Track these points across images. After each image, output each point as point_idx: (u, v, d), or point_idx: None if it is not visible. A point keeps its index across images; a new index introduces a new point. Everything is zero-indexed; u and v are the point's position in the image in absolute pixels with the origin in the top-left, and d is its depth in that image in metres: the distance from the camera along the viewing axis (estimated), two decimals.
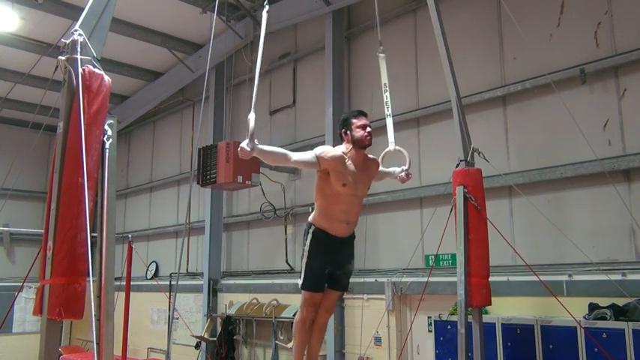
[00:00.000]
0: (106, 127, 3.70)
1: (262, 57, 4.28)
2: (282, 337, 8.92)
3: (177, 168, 12.48)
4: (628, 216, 5.63)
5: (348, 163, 4.38)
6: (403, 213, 7.90)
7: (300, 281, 4.55)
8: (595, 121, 6.08)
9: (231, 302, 10.07)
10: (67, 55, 3.64)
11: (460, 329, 5.13)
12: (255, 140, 4.04)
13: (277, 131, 10.07)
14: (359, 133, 4.41)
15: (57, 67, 3.68)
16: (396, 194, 7.91)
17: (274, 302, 9.21)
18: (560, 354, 5.51)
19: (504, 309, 6.30)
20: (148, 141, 13.84)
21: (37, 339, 3.43)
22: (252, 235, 10.42)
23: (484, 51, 7.21)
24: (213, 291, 10.46)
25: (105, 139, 3.68)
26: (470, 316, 5.35)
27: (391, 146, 5.23)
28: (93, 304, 3.41)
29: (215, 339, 9.69)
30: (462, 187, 5.33)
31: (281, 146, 9.67)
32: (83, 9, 3.83)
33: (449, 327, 6.37)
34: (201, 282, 10.67)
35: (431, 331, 6.97)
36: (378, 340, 7.62)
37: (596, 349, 5.17)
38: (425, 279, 6.48)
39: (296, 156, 4.24)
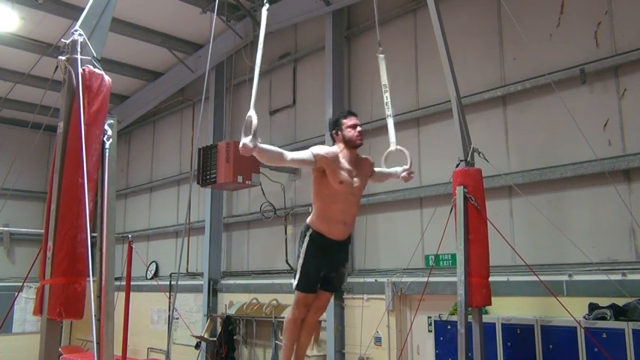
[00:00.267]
0: (106, 127, 3.71)
1: (262, 56, 4.24)
2: (282, 337, 8.91)
3: (177, 168, 12.48)
4: (628, 216, 5.64)
5: (343, 161, 4.41)
6: (403, 213, 7.90)
7: (294, 282, 4.61)
8: (595, 121, 6.08)
9: (231, 302, 10.07)
10: (67, 55, 3.64)
11: (460, 329, 5.13)
12: (258, 138, 4.03)
13: (277, 131, 10.07)
14: (350, 132, 4.46)
15: (57, 67, 3.68)
16: (396, 194, 7.91)
17: (274, 302, 9.21)
18: (560, 354, 5.51)
19: (504, 309, 6.30)
20: (148, 141, 13.84)
21: (37, 339, 3.43)
22: (252, 235, 10.42)
23: (484, 51, 7.21)
24: (213, 291, 10.46)
25: (105, 139, 3.69)
26: (470, 316, 5.35)
27: (392, 146, 5.24)
28: (93, 304, 3.41)
29: (215, 339, 9.69)
30: (462, 187, 5.33)
31: (281, 146, 9.68)
32: (83, 9, 3.83)
33: (449, 327, 6.37)
34: (201, 282, 10.67)
35: (431, 331, 6.97)
36: (378, 340, 7.62)
37: (596, 349, 5.17)
38: (425, 279, 6.48)
39: (292, 155, 4.25)
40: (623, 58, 5.92)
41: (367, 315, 7.61)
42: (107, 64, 10.61)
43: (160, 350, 11.64)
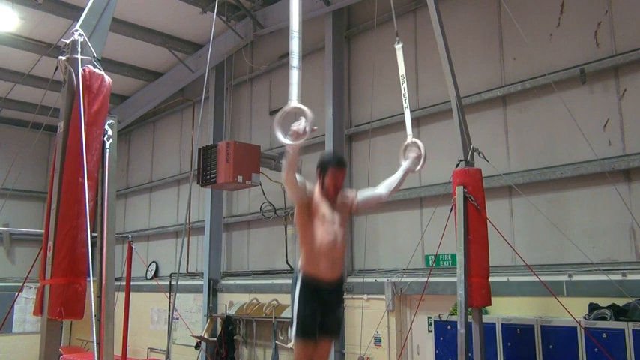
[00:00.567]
0: (107, 127, 3.71)
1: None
2: (282, 337, 8.92)
3: (178, 168, 12.48)
4: (628, 216, 5.64)
5: (323, 198, 4.39)
6: (403, 213, 7.90)
7: (292, 330, 4.56)
8: (595, 121, 6.09)
9: (231, 302, 10.07)
10: (68, 55, 3.64)
11: (460, 329, 5.13)
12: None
13: None
14: (328, 185, 4.38)
15: (57, 67, 3.68)
16: (395, 194, 7.88)
17: (274, 302, 9.22)
18: (560, 354, 5.51)
19: (504, 309, 6.30)
20: (148, 141, 13.84)
21: (37, 339, 3.43)
22: (252, 235, 10.43)
23: (484, 51, 7.21)
24: (213, 291, 10.46)
25: (105, 139, 3.69)
26: (470, 316, 5.35)
27: (409, 138, 5.26)
28: (93, 304, 3.42)
29: (215, 339, 9.69)
30: (462, 187, 5.34)
31: (281, 146, 9.72)
32: (83, 9, 3.83)
33: (449, 327, 6.37)
34: (201, 282, 10.67)
35: (431, 331, 6.97)
36: (378, 340, 7.62)
37: (596, 349, 5.18)
38: (425, 279, 6.48)
39: (297, 175, 4.17)
40: (623, 58, 5.93)
41: (367, 315, 7.61)
42: (107, 64, 10.60)
43: (160, 350, 11.63)
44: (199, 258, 11.12)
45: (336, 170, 4.39)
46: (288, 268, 9.34)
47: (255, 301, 9.61)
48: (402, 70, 5.47)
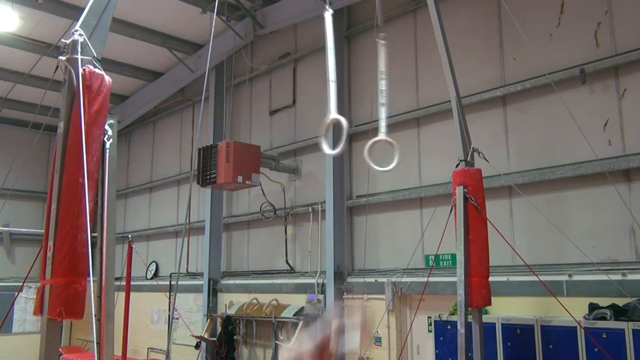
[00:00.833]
0: (107, 127, 3.71)
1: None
2: (282, 337, 8.92)
3: (177, 168, 12.48)
4: (628, 216, 5.64)
5: None
6: (403, 213, 7.90)
7: None
8: (595, 121, 6.08)
9: (231, 302, 10.07)
10: (68, 55, 3.64)
11: (460, 329, 5.13)
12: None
13: (277, 131, 10.07)
14: None
15: (57, 67, 3.68)
16: (396, 194, 7.91)
17: (274, 302, 9.22)
18: (560, 354, 5.51)
19: (504, 309, 6.30)
20: (148, 141, 13.84)
21: (37, 339, 3.43)
22: (252, 235, 10.43)
23: (484, 51, 7.21)
24: (213, 291, 10.46)
25: (105, 139, 3.69)
26: (470, 316, 5.35)
27: (381, 135, 5.18)
28: (93, 304, 3.42)
29: (215, 339, 9.69)
30: (462, 187, 5.33)
31: (281, 146, 9.76)
32: (83, 9, 3.84)
33: (449, 327, 6.37)
34: (201, 282, 10.67)
35: (431, 331, 6.97)
36: (378, 340, 7.62)
37: (596, 349, 5.17)
38: (425, 279, 6.48)
39: None
40: (623, 58, 5.93)
41: (367, 315, 7.61)
42: (107, 64, 10.59)
43: (160, 350, 11.63)
44: (199, 258, 11.12)
45: None
46: (288, 268, 9.34)
47: (255, 301, 9.61)
48: (381, 66, 5.42)
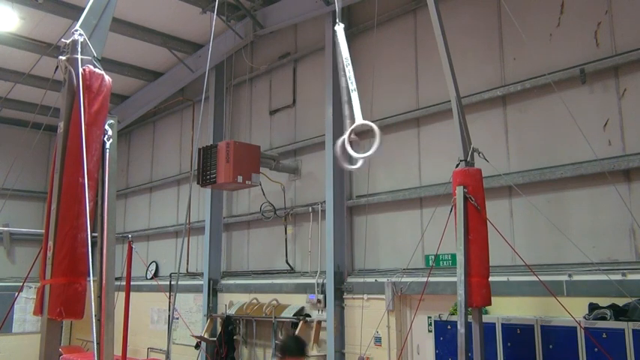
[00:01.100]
0: (107, 127, 3.71)
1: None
2: (282, 337, 8.92)
3: (177, 168, 12.48)
4: (628, 216, 5.64)
5: None
6: (403, 213, 7.90)
7: None
8: (595, 121, 6.09)
9: (231, 302, 10.07)
10: (68, 55, 3.64)
11: (460, 329, 5.13)
12: None
13: (277, 131, 10.07)
14: None
15: (57, 67, 3.68)
16: (396, 194, 7.91)
17: (274, 302, 9.22)
18: (560, 354, 5.51)
19: (504, 309, 6.30)
20: (148, 141, 13.84)
21: (37, 339, 3.43)
22: (252, 235, 10.43)
23: (484, 51, 7.21)
24: (213, 291, 10.47)
25: (105, 139, 3.69)
26: (470, 316, 5.35)
27: (358, 121, 5.09)
28: (93, 304, 3.41)
29: (215, 339, 9.69)
30: (462, 187, 5.33)
31: (281, 146, 9.76)
32: (83, 9, 3.83)
33: (449, 327, 6.37)
34: (201, 282, 10.67)
35: (431, 331, 6.97)
36: (378, 340, 7.62)
37: (596, 349, 5.17)
38: (425, 279, 6.48)
39: None
40: (623, 58, 5.92)
41: (367, 315, 7.62)
42: (107, 64, 10.60)
43: (160, 350, 11.64)
44: (199, 258, 11.12)
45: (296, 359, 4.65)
46: (288, 268, 9.34)
47: (255, 301, 9.61)
48: (345, 53, 5.37)
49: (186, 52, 11.38)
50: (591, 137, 5.84)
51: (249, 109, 10.81)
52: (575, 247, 5.78)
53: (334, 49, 8.87)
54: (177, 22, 10.52)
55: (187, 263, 11.30)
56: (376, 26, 7.88)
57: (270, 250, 9.89)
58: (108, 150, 3.68)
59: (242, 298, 9.92)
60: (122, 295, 8.11)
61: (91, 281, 3.49)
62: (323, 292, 8.42)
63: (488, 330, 5.79)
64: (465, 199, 5.29)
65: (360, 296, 7.98)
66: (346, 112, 4.55)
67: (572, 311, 5.23)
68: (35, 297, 3.54)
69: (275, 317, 8.87)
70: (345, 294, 8.26)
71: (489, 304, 5.35)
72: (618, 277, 5.58)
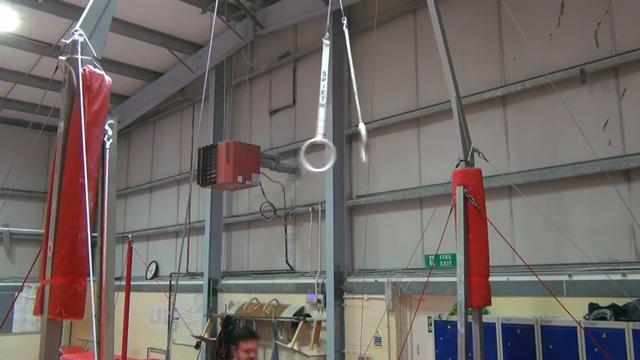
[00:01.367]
0: (107, 127, 3.70)
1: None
2: (282, 337, 8.92)
3: (177, 168, 12.48)
4: (628, 216, 5.64)
5: None
6: (403, 213, 7.90)
7: None
8: (595, 121, 6.08)
9: (231, 302, 10.07)
10: (68, 55, 3.64)
11: (460, 329, 5.13)
12: None
13: (277, 131, 10.07)
14: (243, 356, 5.02)
15: (57, 67, 3.67)
16: (396, 194, 7.91)
17: (274, 302, 9.22)
18: (560, 354, 5.51)
19: (504, 309, 6.30)
20: (148, 141, 13.84)
21: (37, 339, 3.43)
22: (252, 235, 10.43)
23: (484, 51, 7.22)
24: (213, 291, 10.47)
25: (105, 139, 3.68)
26: (470, 316, 5.35)
27: (319, 137, 5.05)
28: (93, 304, 3.41)
29: (215, 339, 9.68)
30: (462, 187, 5.33)
31: (281, 146, 9.76)
32: (83, 9, 3.83)
33: (449, 327, 6.37)
34: (201, 282, 10.67)
35: (431, 331, 6.97)
36: (378, 340, 7.62)
37: (596, 349, 5.17)
38: (425, 279, 6.48)
39: None
40: (623, 58, 5.92)
41: (367, 315, 7.62)
42: (107, 64, 10.60)
43: (160, 350, 11.63)
44: (199, 258, 11.12)
45: (248, 341, 5.07)
46: (288, 268, 9.34)
47: (255, 301, 9.61)
48: (324, 67, 5.40)
49: (186, 52, 11.38)
50: (591, 137, 5.84)
51: (249, 109, 10.81)
52: (575, 247, 5.78)
53: (334, 48, 8.88)
54: (177, 22, 10.52)
55: (187, 263, 11.30)
56: (376, 26, 7.88)
57: (270, 250, 9.89)
58: (108, 150, 3.68)
59: (242, 298, 9.92)
60: (122, 295, 8.10)
61: (91, 281, 3.49)
62: (323, 292, 8.42)
63: (488, 330, 5.79)
64: (465, 199, 5.29)
65: (360, 296, 7.98)
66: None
67: (572, 311, 5.23)
68: (35, 297, 3.53)
69: (275, 317, 8.87)
70: (345, 294, 8.26)
71: (489, 304, 5.35)
72: (618, 277, 5.58)
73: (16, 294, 11.94)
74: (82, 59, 3.62)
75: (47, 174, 14.27)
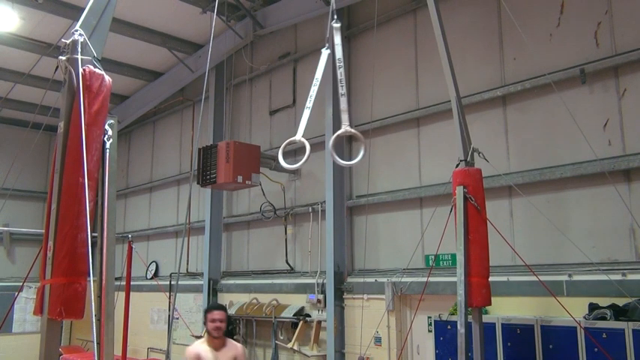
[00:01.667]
0: (107, 127, 3.71)
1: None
2: (282, 337, 8.93)
3: (177, 168, 12.48)
4: (628, 216, 5.64)
5: (206, 350, 5.24)
6: (403, 213, 7.90)
7: None
8: (595, 121, 6.09)
9: (231, 302, 10.07)
10: (68, 55, 3.64)
11: (460, 329, 5.13)
12: None
13: (277, 131, 10.08)
14: (209, 326, 5.35)
15: (57, 67, 3.68)
16: (396, 194, 7.91)
17: (274, 302, 9.22)
18: (560, 354, 5.51)
19: (504, 309, 6.30)
20: (148, 141, 13.84)
21: (37, 339, 3.43)
22: (252, 235, 10.43)
23: (484, 51, 7.22)
24: (213, 291, 10.47)
25: (105, 139, 3.69)
26: (470, 316, 5.35)
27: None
28: (93, 304, 3.41)
29: None
30: (462, 187, 5.33)
31: (281, 146, 9.73)
32: (83, 9, 3.83)
33: (449, 327, 6.37)
34: (201, 282, 10.67)
35: (431, 331, 6.97)
36: (378, 340, 7.62)
37: (596, 349, 5.17)
38: (425, 279, 6.48)
39: None
40: (623, 58, 5.92)
41: (367, 315, 7.62)
42: (107, 64, 10.59)
43: (160, 350, 11.64)
44: (199, 258, 11.12)
45: (212, 312, 5.39)
46: (288, 268, 9.34)
47: (255, 301, 9.61)
48: (318, 74, 5.39)
49: (186, 52, 11.39)
50: (591, 137, 5.84)
51: (249, 109, 10.81)
52: (575, 247, 5.78)
53: (334, 49, 8.88)
54: (177, 22, 10.52)
55: (187, 263, 11.30)
56: (376, 26, 7.88)
57: (270, 250, 9.89)
58: (108, 150, 3.68)
59: (242, 298, 9.92)
60: (122, 295, 8.12)
61: (91, 281, 3.49)
62: (323, 292, 8.42)
63: (488, 330, 5.79)
64: (465, 199, 5.29)
65: (360, 296, 7.98)
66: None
67: (572, 311, 5.23)
68: (35, 297, 3.54)
69: (275, 317, 8.87)
70: (345, 294, 8.26)
71: (489, 304, 5.35)
72: (618, 277, 5.58)
73: (16, 294, 11.95)
74: (82, 59, 3.62)
75: (47, 174, 14.28)
